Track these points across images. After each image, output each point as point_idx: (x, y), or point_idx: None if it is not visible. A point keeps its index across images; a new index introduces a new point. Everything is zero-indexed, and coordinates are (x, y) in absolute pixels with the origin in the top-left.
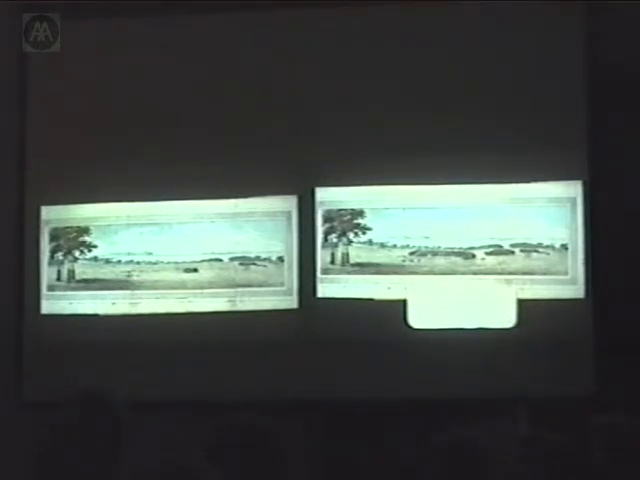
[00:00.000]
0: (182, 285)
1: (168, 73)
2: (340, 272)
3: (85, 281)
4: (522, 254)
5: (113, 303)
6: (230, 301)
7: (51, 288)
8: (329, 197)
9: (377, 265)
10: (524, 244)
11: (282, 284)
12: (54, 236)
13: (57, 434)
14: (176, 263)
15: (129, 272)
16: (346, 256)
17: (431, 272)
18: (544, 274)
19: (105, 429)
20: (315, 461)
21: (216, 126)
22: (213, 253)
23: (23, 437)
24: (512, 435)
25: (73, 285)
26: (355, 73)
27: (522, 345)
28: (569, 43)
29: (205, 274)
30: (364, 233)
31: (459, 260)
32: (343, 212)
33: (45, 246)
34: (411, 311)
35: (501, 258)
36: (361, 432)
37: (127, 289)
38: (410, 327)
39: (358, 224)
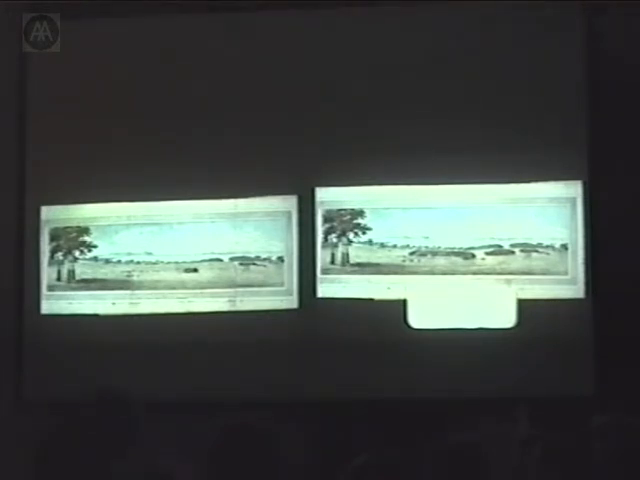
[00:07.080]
0: (182, 285)
1: (168, 73)
2: (340, 272)
3: (85, 281)
4: (522, 254)
5: (113, 303)
6: (230, 301)
7: (51, 288)
8: (329, 197)
9: (377, 265)
10: (524, 244)
11: (282, 284)
12: (54, 236)
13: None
14: (176, 263)
15: (129, 272)
16: (346, 256)
17: (431, 272)
18: (544, 274)
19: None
20: (314, 461)
21: (216, 126)
22: (213, 253)
23: (23, 437)
24: (512, 435)
25: (73, 285)
26: (355, 73)
27: (522, 345)
28: (569, 43)
29: (205, 274)
30: (364, 233)
31: (459, 260)
32: (343, 212)
33: (45, 246)
34: (411, 311)
35: (501, 258)
36: (361, 432)
37: (127, 289)
38: (410, 327)
39: (358, 224)
